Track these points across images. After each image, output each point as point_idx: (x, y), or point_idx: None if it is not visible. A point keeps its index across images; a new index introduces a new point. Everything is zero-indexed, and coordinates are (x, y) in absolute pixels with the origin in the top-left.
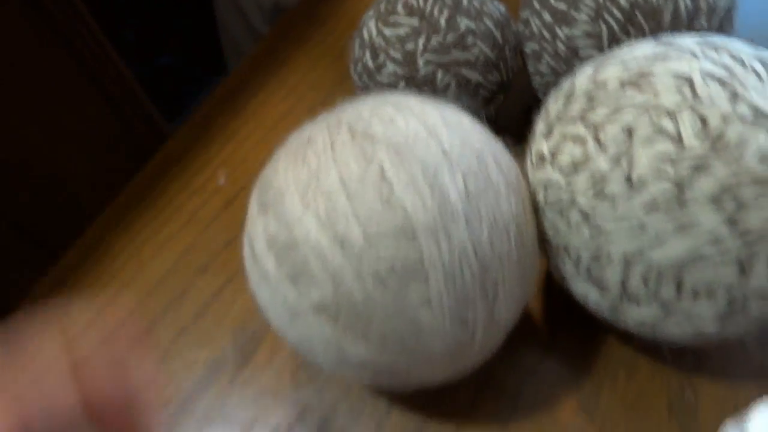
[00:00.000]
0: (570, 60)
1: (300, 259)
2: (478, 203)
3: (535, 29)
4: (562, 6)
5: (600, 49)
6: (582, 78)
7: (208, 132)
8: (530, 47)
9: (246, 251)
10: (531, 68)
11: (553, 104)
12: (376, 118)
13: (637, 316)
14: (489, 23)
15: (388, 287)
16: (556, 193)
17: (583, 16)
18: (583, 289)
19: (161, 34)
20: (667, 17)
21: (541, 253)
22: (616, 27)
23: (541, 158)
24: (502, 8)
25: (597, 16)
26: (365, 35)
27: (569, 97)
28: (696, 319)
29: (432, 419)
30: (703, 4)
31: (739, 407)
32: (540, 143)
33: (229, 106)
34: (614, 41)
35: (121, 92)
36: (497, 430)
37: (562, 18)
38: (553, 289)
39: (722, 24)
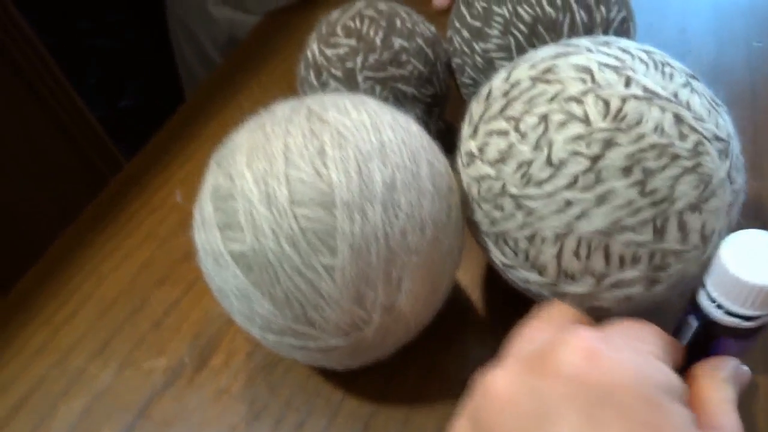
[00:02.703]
0: (487, 71)
1: (232, 209)
2: (401, 195)
3: (457, 45)
4: (477, 23)
5: (511, 59)
6: (497, 81)
7: (166, 154)
8: (455, 62)
9: (197, 201)
10: (458, 81)
11: (475, 107)
12: (334, 106)
13: (576, 291)
14: (420, 42)
15: (298, 248)
16: (488, 184)
17: (494, 32)
18: (523, 275)
19: (123, 78)
20: (565, 29)
21: (481, 247)
22: (522, 39)
23: (471, 156)
24: (433, 28)
25: (506, 30)
26: (309, 56)
27: (488, 99)
28: (625, 284)
29: (382, 407)
30: (597, 16)
31: None
32: (468, 143)
33: (187, 131)
34: (522, 52)
35: (83, 134)
36: (443, 416)
37: (478, 34)
38: (494, 282)
39: (617, 35)
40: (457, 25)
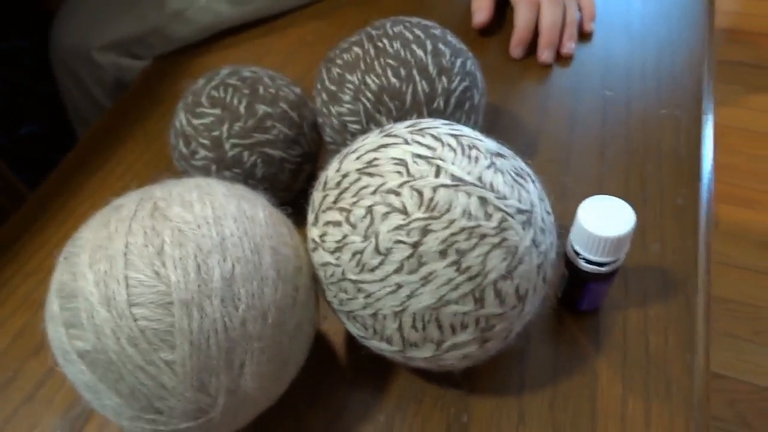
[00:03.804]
0: (342, 132)
1: (75, 309)
2: (240, 287)
3: (319, 106)
4: (333, 88)
5: (360, 123)
6: (331, 171)
7: (45, 212)
8: (319, 120)
9: (47, 294)
10: (323, 137)
11: (315, 195)
12: (179, 200)
13: (421, 355)
14: (284, 106)
15: (139, 348)
16: (331, 270)
17: (346, 97)
18: (376, 345)
19: (23, 106)
20: (408, 99)
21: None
22: (369, 106)
23: (315, 243)
24: (298, 90)
25: (356, 97)
26: (177, 126)
27: (325, 188)
28: (461, 346)
29: None
30: (438, 87)
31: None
32: (311, 231)
33: (68, 186)
34: (370, 117)
35: None
36: None
37: (333, 98)
38: (352, 340)
39: (458, 103)
40: (318, 86)
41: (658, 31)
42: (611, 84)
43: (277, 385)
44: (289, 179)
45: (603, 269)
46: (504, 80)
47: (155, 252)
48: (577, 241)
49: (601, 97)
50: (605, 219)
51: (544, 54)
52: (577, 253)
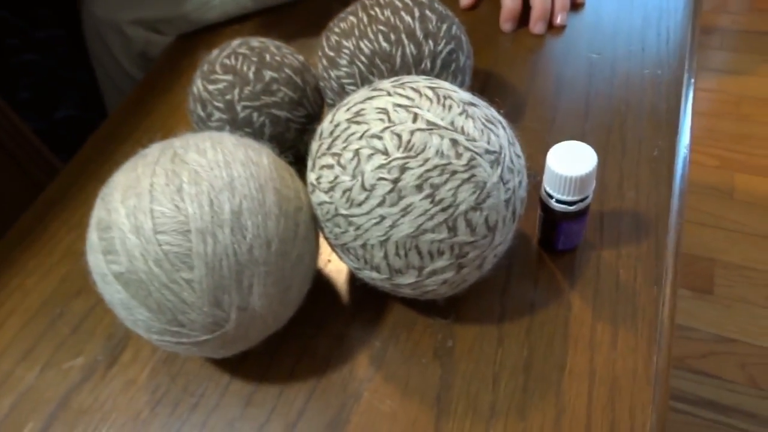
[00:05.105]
0: (341, 93)
1: (110, 239)
2: (247, 220)
3: (320, 71)
4: (332, 54)
5: (356, 85)
6: (326, 123)
7: (84, 175)
8: (320, 85)
9: (87, 231)
10: (325, 101)
11: (312, 145)
12: (195, 147)
13: (406, 281)
14: (289, 71)
15: (163, 268)
16: (326, 208)
17: (343, 61)
18: (368, 274)
19: (57, 91)
20: (397, 61)
21: (337, 254)
22: (364, 69)
23: (312, 186)
24: (301, 58)
25: (351, 61)
26: (195, 91)
27: (320, 138)
28: (439, 272)
29: (261, 386)
30: (425, 50)
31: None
32: (309, 176)
33: (103, 152)
34: (364, 79)
35: (20, 148)
36: (311, 389)
37: (332, 62)
38: (353, 277)
39: (444, 64)
40: (320, 53)
41: None
42: (598, 47)
43: (283, 306)
44: (295, 138)
45: (572, 208)
46: (495, 47)
47: (175, 189)
48: (548, 183)
49: (587, 59)
50: (571, 161)
51: (537, 26)
52: (549, 195)
